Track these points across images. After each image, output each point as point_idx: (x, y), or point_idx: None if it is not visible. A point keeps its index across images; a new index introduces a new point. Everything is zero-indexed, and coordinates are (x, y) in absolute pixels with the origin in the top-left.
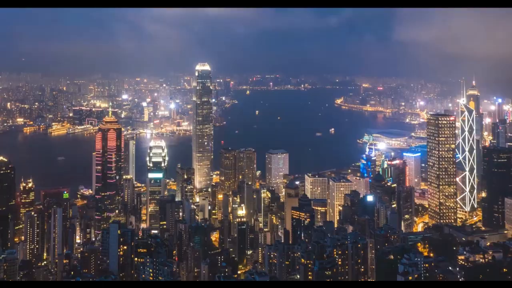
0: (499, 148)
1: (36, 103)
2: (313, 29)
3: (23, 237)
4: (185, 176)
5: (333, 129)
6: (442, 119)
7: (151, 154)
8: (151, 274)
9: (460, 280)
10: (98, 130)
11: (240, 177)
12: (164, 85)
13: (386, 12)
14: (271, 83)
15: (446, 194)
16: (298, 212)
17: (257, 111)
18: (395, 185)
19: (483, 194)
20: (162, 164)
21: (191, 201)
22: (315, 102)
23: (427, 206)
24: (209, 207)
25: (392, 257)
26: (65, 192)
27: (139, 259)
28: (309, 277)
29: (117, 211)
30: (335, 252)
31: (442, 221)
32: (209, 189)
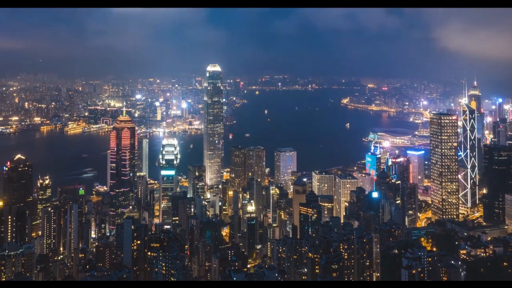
0: (500, 146)
1: (53, 103)
2: (318, 30)
3: (40, 232)
4: (197, 173)
5: (348, 124)
6: (445, 118)
7: (163, 152)
8: (164, 268)
9: (461, 274)
10: (112, 129)
11: (250, 174)
12: (176, 85)
13: (387, 13)
14: (279, 84)
15: (449, 190)
16: (306, 208)
17: (266, 111)
18: (399, 182)
19: (484, 191)
20: (174, 162)
21: (202, 197)
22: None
23: (430, 202)
24: (220, 203)
25: (396, 251)
26: (81, 188)
27: (152, 253)
28: (316, 271)
29: (131, 207)
30: (341, 247)
31: (444, 216)
32: (220, 186)
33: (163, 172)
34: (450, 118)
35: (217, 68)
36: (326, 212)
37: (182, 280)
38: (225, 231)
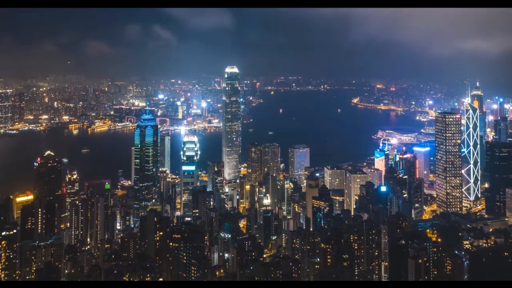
0: (501, 143)
1: (80, 102)
2: (328, 32)
3: (68, 224)
4: (216, 169)
5: (356, 120)
6: (449, 117)
7: (184, 149)
8: (185, 258)
9: (465, 264)
10: (136, 127)
11: (266, 169)
12: (197, 86)
13: (392, 15)
14: (293, 84)
15: (453, 185)
16: (318, 201)
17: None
18: (406, 176)
19: (486, 185)
20: (195, 158)
21: (221, 191)
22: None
23: (435, 196)
24: (237, 197)
25: (403, 242)
26: (107, 183)
27: (174, 244)
28: (328, 260)
29: (153, 200)
30: (351, 238)
31: (449, 209)
32: (237, 180)
33: (184, 168)
34: (454, 116)
35: (235, 69)
36: (337, 205)
37: (183, 280)
38: (242, 223)
